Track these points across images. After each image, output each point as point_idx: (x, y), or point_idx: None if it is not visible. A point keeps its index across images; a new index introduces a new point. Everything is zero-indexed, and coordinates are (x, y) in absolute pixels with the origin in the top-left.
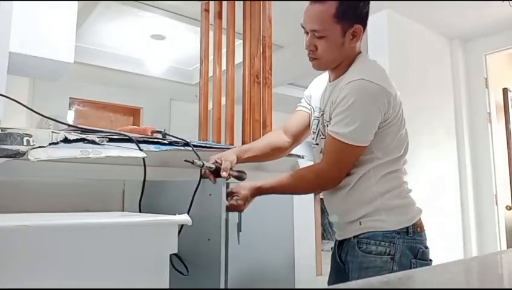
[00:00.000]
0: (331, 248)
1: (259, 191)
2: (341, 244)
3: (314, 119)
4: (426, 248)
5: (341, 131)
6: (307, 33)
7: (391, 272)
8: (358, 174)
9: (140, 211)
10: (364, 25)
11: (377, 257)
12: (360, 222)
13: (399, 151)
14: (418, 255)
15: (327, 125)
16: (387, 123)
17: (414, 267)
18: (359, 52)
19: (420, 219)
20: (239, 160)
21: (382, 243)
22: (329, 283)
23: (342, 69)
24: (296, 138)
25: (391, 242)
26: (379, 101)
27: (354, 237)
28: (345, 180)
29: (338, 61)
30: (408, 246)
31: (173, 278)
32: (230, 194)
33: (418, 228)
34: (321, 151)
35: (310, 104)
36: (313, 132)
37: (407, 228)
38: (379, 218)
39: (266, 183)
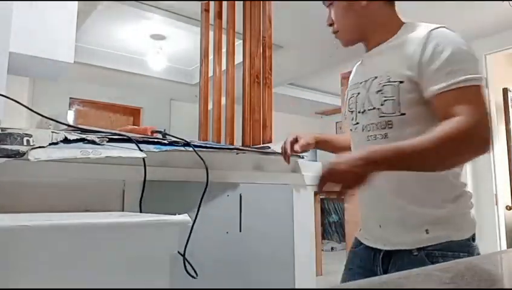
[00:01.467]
0: (332, 248)
1: (370, 166)
2: (386, 257)
3: (350, 98)
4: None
5: (467, 76)
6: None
7: None
8: None
9: (140, 211)
10: None
11: None
12: (427, 230)
13: None
14: None
15: (386, 85)
16: None
17: None
18: (402, 23)
19: None
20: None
21: (461, 254)
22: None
23: (382, 34)
24: None
25: (469, 252)
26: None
27: (418, 249)
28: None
29: (360, 27)
30: (478, 253)
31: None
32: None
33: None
34: (363, 129)
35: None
36: (351, 111)
37: (473, 234)
38: (454, 226)
39: (378, 152)
